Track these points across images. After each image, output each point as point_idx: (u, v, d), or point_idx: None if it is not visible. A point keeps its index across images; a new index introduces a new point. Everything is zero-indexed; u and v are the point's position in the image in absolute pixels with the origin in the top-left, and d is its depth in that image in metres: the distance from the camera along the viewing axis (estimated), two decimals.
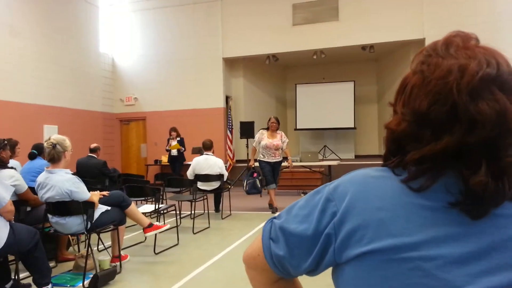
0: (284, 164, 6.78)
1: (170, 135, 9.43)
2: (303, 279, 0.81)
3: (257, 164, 6.67)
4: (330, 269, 0.71)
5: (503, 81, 0.61)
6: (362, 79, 12.45)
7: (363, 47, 10.52)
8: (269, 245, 0.73)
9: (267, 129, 6.46)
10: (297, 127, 12.40)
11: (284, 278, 0.79)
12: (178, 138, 9.40)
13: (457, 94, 0.60)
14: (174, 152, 9.38)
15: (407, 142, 0.65)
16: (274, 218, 0.76)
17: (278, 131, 6.51)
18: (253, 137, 11.17)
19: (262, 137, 6.41)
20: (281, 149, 6.46)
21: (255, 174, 6.37)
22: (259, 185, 6.30)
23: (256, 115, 11.58)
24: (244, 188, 6.37)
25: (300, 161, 8.82)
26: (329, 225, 0.65)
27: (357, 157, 12.22)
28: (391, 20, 9.75)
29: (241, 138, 10.46)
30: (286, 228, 0.71)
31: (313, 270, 0.70)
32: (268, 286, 0.80)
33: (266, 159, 6.43)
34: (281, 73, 13.44)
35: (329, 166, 8.79)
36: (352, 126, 12.00)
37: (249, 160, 6.86)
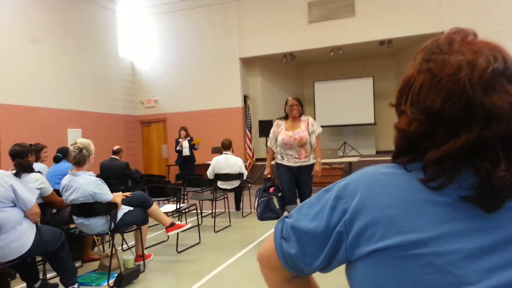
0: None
1: (180, 134, 9.18)
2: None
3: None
4: (342, 267, 0.71)
5: (510, 73, 0.62)
6: (381, 74, 12.29)
7: (381, 42, 10.37)
8: (281, 244, 0.74)
9: (285, 117, 4.40)
10: None
11: (298, 276, 0.80)
12: (188, 138, 9.14)
13: (471, 89, 0.60)
14: (186, 152, 9.06)
15: (420, 141, 0.65)
16: (286, 217, 0.77)
17: (302, 117, 4.36)
18: None
19: (279, 130, 4.33)
20: (310, 144, 4.27)
21: (271, 189, 4.24)
22: (276, 206, 4.13)
23: (274, 114, 11.52)
24: (255, 210, 4.31)
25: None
26: (340, 223, 0.66)
27: (378, 153, 12.07)
28: (409, 14, 9.56)
29: (260, 137, 10.49)
30: (297, 227, 0.72)
31: (325, 267, 0.71)
32: (283, 284, 0.81)
33: (285, 162, 4.28)
34: (299, 70, 13.39)
35: (350, 162, 8.71)
36: (372, 122, 11.85)
37: (264, 167, 4.68)
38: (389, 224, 0.61)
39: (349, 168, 8.67)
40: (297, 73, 13.37)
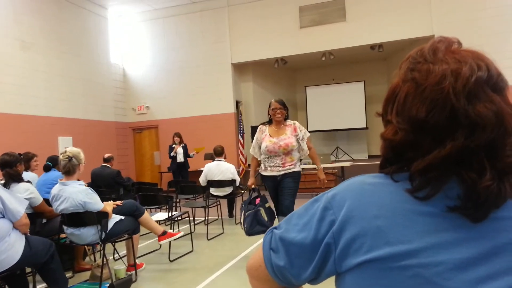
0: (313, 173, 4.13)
1: (174, 141, 9.08)
2: None
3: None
4: (332, 278, 0.70)
5: (494, 82, 0.62)
6: (372, 78, 12.38)
7: (372, 47, 10.45)
8: (270, 255, 0.73)
9: (269, 122, 4.02)
10: (309, 129, 12.34)
11: None
12: (182, 144, 9.08)
13: (455, 98, 0.60)
14: (180, 158, 8.98)
15: (405, 150, 0.65)
16: (275, 228, 0.76)
17: (287, 122, 3.96)
18: None
19: (262, 137, 3.95)
20: (296, 151, 3.88)
21: (257, 200, 3.87)
22: (264, 218, 3.76)
23: (266, 119, 11.60)
24: (242, 225, 3.87)
25: (312, 163, 8.79)
26: (328, 234, 0.65)
27: (370, 157, 12.13)
28: (399, 18, 9.66)
29: (251, 142, 10.48)
30: (285, 238, 0.71)
31: (314, 279, 0.70)
32: None
33: (268, 172, 3.89)
34: (290, 76, 13.45)
35: (342, 167, 8.73)
36: (364, 126, 11.92)
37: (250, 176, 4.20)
38: (377, 235, 0.61)
39: (342, 173, 8.69)
40: (289, 78, 13.42)
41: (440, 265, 0.57)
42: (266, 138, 3.91)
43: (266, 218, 3.75)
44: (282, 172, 3.84)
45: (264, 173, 3.96)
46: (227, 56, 11.08)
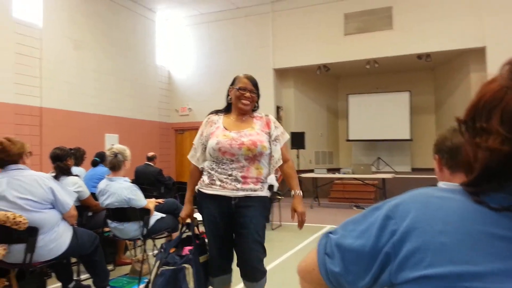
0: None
1: None
2: None
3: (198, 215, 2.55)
4: None
5: None
6: (418, 88, 12.02)
7: (419, 56, 10.15)
8: (324, 260, 0.73)
9: (226, 110, 2.54)
10: (349, 138, 12.16)
11: None
12: None
13: None
14: None
15: (508, 165, 0.58)
16: (330, 233, 0.75)
17: (256, 113, 2.51)
18: (304, 147, 11.17)
19: (212, 130, 2.40)
20: (266, 158, 2.39)
21: (186, 249, 2.37)
22: (188, 284, 2.20)
23: (306, 126, 11.54)
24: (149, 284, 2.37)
25: (352, 173, 8.63)
26: (388, 244, 0.63)
27: (415, 169, 11.75)
28: (448, 27, 9.30)
29: (291, 148, 10.45)
30: (341, 244, 0.70)
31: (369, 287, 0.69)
32: None
33: (215, 190, 2.30)
34: (333, 83, 13.30)
35: (383, 179, 8.50)
36: (408, 137, 11.57)
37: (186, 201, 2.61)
38: (441, 252, 0.58)
39: (383, 185, 8.47)
40: (331, 85, 13.27)
41: None
42: (219, 131, 2.35)
43: (189, 285, 2.19)
44: (241, 194, 2.26)
45: (206, 191, 2.32)
46: (269, 61, 11.12)
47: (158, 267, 2.24)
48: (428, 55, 9.96)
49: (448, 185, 0.68)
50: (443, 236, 0.59)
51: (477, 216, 0.59)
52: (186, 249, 2.32)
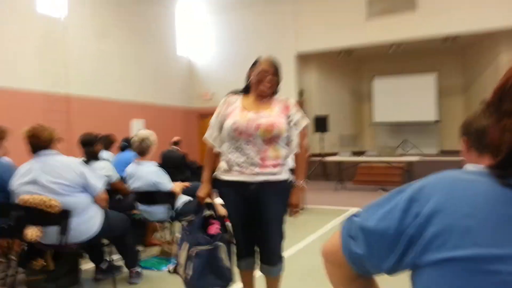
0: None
1: None
2: None
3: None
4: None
5: None
6: (445, 70, 11.69)
7: (445, 39, 9.79)
8: (348, 243, 0.73)
9: (245, 91, 2.47)
10: (374, 121, 11.98)
11: (363, 276, 0.78)
12: None
13: None
14: None
15: None
16: (354, 215, 0.76)
17: (276, 96, 2.42)
18: (327, 130, 11.06)
19: (230, 111, 2.36)
20: (284, 141, 2.33)
21: (213, 228, 2.31)
22: (224, 262, 2.23)
23: (330, 109, 11.42)
24: (182, 274, 2.24)
25: (378, 156, 8.54)
26: (411, 226, 0.63)
27: (443, 152, 11.50)
28: (476, 7, 8.80)
29: (315, 132, 10.40)
30: (365, 226, 0.70)
31: (392, 270, 0.69)
32: (347, 283, 0.80)
33: (232, 175, 2.27)
34: (356, 66, 13.07)
35: (410, 162, 8.36)
36: (434, 119, 11.30)
37: (203, 182, 2.44)
38: (465, 234, 0.58)
39: (409, 167, 8.35)
40: (355, 69, 13.05)
41: None
42: (237, 112, 2.31)
43: (227, 263, 2.23)
44: (261, 178, 2.21)
45: (224, 177, 2.30)
46: (291, 45, 10.98)
47: (189, 249, 2.20)
48: (454, 38, 9.55)
49: (475, 168, 0.67)
50: (468, 219, 0.59)
51: (503, 199, 0.58)
52: (213, 228, 2.30)
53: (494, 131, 0.63)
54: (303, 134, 2.40)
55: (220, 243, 2.22)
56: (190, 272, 2.17)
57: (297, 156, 2.41)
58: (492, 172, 0.62)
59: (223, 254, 2.21)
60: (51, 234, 2.78)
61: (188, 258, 2.19)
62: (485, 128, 1.24)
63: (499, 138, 0.61)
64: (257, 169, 2.21)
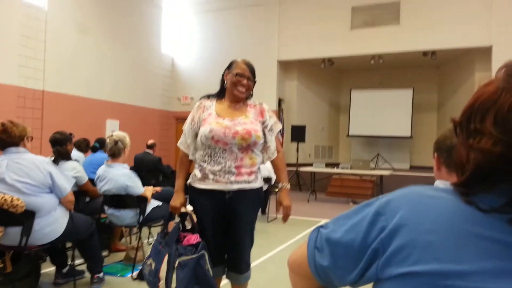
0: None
1: None
2: None
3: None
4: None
5: None
6: (421, 86, 11.98)
7: (425, 53, 10.10)
8: (314, 254, 0.73)
9: (219, 95, 2.41)
10: (350, 133, 12.15)
11: None
12: None
13: None
14: None
15: (501, 166, 0.58)
16: (321, 227, 0.76)
17: (250, 101, 2.40)
18: (304, 140, 11.14)
19: (204, 117, 2.29)
20: (259, 148, 2.30)
21: (193, 237, 2.25)
22: (209, 270, 2.16)
23: (308, 119, 11.52)
24: (148, 278, 2.21)
25: (351, 168, 8.65)
26: (376, 239, 0.64)
27: (412, 167, 11.76)
28: (456, 25, 9.23)
29: (291, 141, 10.45)
30: (331, 238, 0.71)
31: (355, 282, 0.69)
32: None
33: (208, 184, 2.22)
34: (336, 77, 13.26)
35: (381, 176, 8.51)
36: (408, 135, 11.56)
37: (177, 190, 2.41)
38: (427, 250, 0.59)
39: (381, 182, 8.48)
40: (335, 79, 13.24)
41: None
42: (212, 118, 2.24)
43: (210, 270, 2.17)
44: (235, 187, 2.19)
45: (199, 185, 2.25)
46: (274, 53, 11.07)
47: (173, 261, 2.13)
48: (433, 52, 9.91)
49: (444, 184, 0.68)
50: (431, 234, 0.59)
51: (466, 216, 0.59)
52: (192, 237, 2.25)
53: (460, 150, 0.64)
54: (278, 139, 2.43)
55: (204, 251, 2.18)
56: (173, 285, 2.11)
57: (276, 160, 2.41)
58: (457, 189, 0.63)
59: (207, 262, 2.17)
60: (13, 235, 2.68)
61: (170, 269, 2.12)
62: (455, 146, 1.26)
63: (465, 156, 0.62)
64: (232, 178, 2.19)
